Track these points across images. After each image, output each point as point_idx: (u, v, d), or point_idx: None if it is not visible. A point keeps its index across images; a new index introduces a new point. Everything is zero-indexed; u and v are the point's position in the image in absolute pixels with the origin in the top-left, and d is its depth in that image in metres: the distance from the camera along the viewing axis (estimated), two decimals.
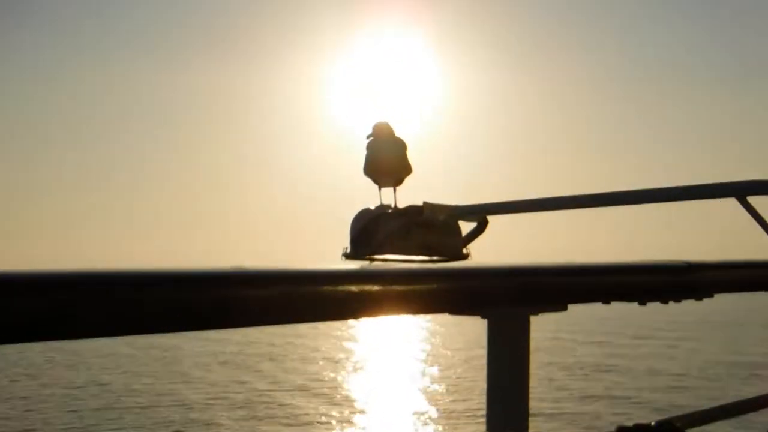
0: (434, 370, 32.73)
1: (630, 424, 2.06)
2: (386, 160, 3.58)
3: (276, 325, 1.25)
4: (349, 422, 23.21)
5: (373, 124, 3.61)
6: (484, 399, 1.89)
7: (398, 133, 3.61)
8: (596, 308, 1.92)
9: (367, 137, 3.61)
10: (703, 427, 2.46)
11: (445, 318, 1.56)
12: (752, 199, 3.16)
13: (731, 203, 3.16)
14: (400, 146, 3.60)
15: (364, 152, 3.64)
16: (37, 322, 0.97)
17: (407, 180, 3.65)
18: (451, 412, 24.48)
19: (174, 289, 1.10)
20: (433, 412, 24.68)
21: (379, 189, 3.59)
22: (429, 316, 1.56)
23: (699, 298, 2.12)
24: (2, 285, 0.95)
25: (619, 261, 1.96)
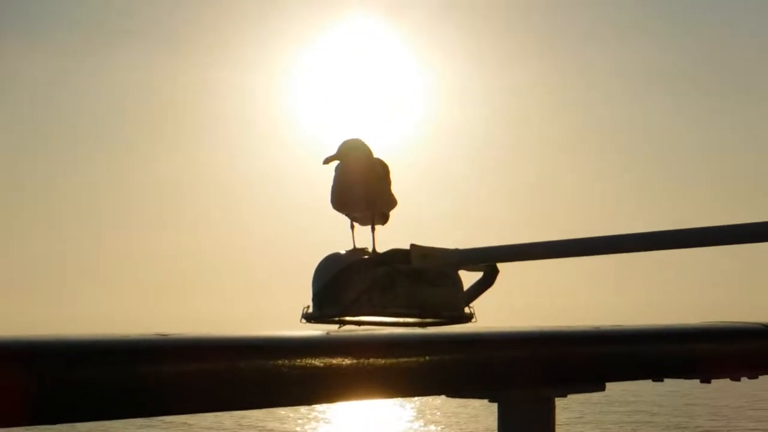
0: None
1: None
2: (360, 190, 3.55)
3: (211, 411, 1.23)
4: None
5: (341, 141, 3.55)
6: None
7: (376, 153, 3.56)
8: (642, 387, 1.91)
9: (325, 161, 3.55)
10: None
11: (441, 402, 1.54)
12: None
13: None
14: (380, 170, 3.56)
15: (332, 178, 3.61)
16: None
17: (390, 215, 3.63)
18: None
19: (62, 365, 1.08)
20: None
21: (352, 227, 3.57)
22: (420, 400, 1.54)
23: None
24: None
25: (673, 325, 1.96)
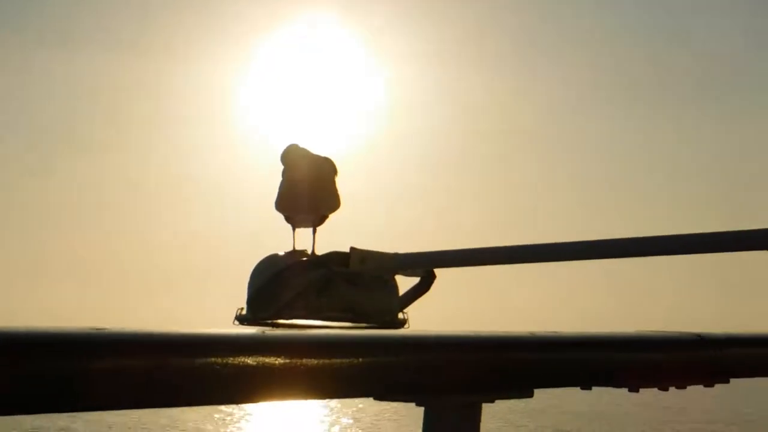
0: None
1: None
2: (305, 190, 3.54)
3: (139, 408, 1.24)
4: None
5: (284, 146, 3.54)
6: None
7: (327, 153, 3.55)
8: (571, 394, 1.94)
9: (282, 158, 3.55)
10: None
11: (368, 404, 1.56)
12: None
13: (762, 258, 3.21)
14: (325, 171, 3.56)
15: (279, 180, 3.60)
16: None
17: (333, 217, 3.62)
18: None
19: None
20: None
21: (293, 229, 3.55)
22: (346, 401, 1.55)
23: (710, 383, 2.14)
24: None
25: (603, 332, 1.98)
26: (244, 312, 3.39)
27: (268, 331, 1.46)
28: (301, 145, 3.57)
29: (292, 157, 3.55)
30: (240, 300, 3.43)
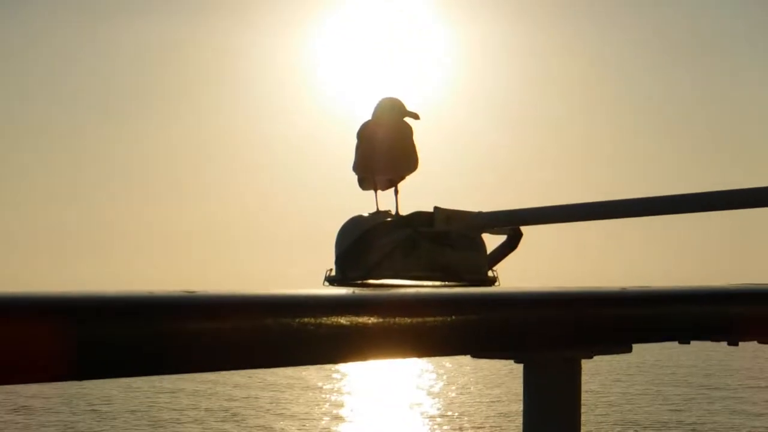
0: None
1: None
2: (384, 152, 3.54)
3: (240, 369, 1.23)
4: None
5: (378, 100, 3.53)
6: None
7: (414, 112, 3.53)
8: (669, 349, 1.91)
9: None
10: None
11: (465, 362, 1.54)
12: None
13: None
14: (405, 132, 3.55)
15: (354, 141, 3.60)
16: None
17: (413, 178, 3.62)
18: None
19: (95, 321, 1.08)
20: None
21: (375, 190, 3.56)
22: (444, 359, 1.54)
23: None
24: None
25: (701, 286, 1.95)
26: (333, 273, 3.40)
27: (359, 291, 1.45)
28: (393, 97, 3.56)
29: (378, 113, 3.54)
30: (327, 261, 3.43)
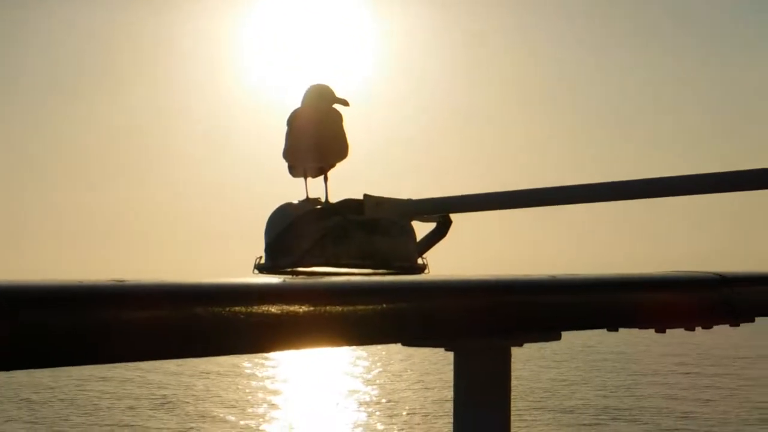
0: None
1: None
2: (313, 139, 3.54)
3: (170, 359, 1.23)
4: None
5: (306, 87, 3.54)
6: None
7: (343, 99, 3.54)
8: (596, 336, 1.93)
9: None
10: None
11: (396, 350, 1.55)
12: None
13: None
14: (334, 119, 3.55)
15: (285, 128, 3.60)
16: None
17: (343, 166, 3.62)
18: None
19: (28, 309, 1.07)
20: None
21: (305, 178, 3.56)
22: (374, 348, 1.54)
23: (736, 323, 2.13)
24: None
25: (628, 274, 1.97)
26: (263, 261, 3.39)
27: (289, 279, 1.45)
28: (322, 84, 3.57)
29: (307, 99, 3.55)
30: (257, 249, 3.42)
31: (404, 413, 33.46)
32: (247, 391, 40.21)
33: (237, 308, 1.28)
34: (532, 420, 30.28)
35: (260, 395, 38.70)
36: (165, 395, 37.54)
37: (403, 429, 31.11)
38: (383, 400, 36.75)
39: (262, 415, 33.59)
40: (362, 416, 33.45)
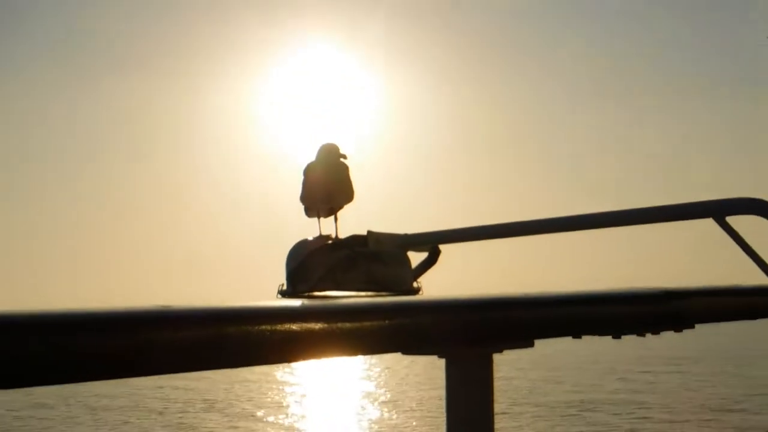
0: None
1: None
2: (324, 186, 3.57)
3: (210, 369, 1.23)
4: None
5: (319, 146, 3.60)
6: None
7: (345, 153, 3.59)
8: (565, 343, 1.93)
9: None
10: None
11: (398, 358, 1.56)
12: (731, 219, 3.21)
13: (709, 224, 3.21)
14: (341, 170, 3.58)
15: (302, 177, 3.63)
16: None
17: (350, 207, 3.63)
18: None
19: (91, 332, 1.08)
20: None
21: (318, 218, 3.58)
22: (381, 356, 1.55)
23: (679, 329, 2.13)
24: None
25: (590, 291, 1.97)
26: (284, 287, 3.41)
27: (307, 301, 1.45)
28: (332, 143, 3.61)
29: (320, 155, 3.58)
30: (279, 277, 3.44)
31: (405, 407, 33.74)
32: (279, 394, 40.30)
33: (264, 326, 1.28)
34: (518, 413, 30.26)
35: (290, 399, 38.77)
36: (210, 399, 37.58)
37: (403, 416, 31.31)
38: (389, 395, 37.11)
39: (296, 414, 33.69)
40: (373, 409, 33.73)
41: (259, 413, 33.87)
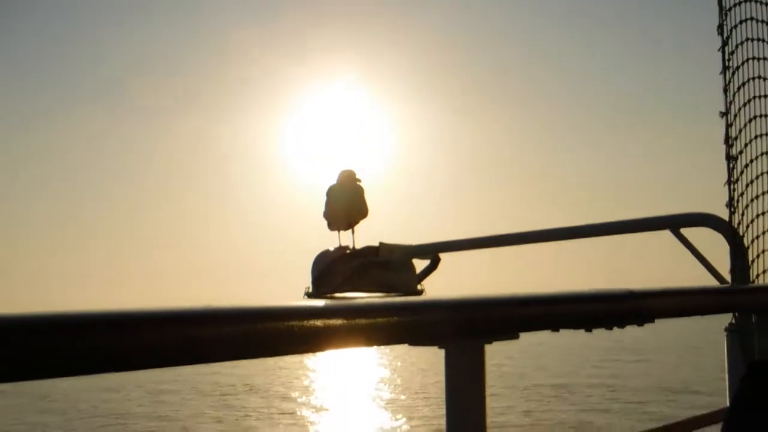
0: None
1: None
2: (344, 205, 3.59)
3: (248, 359, 1.24)
4: None
5: (339, 171, 3.64)
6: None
7: (360, 178, 3.62)
8: (544, 336, 1.93)
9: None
10: None
11: (405, 349, 1.56)
12: (685, 231, 3.21)
13: (666, 235, 3.21)
14: (358, 192, 3.61)
15: (324, 198, 3.65)
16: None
17: (365, 222, 3.66)
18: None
19: (156, 327, 1.09)
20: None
21: (338, 231, 3.60)
22: (389, 348, 1.55)
23: (641, 323, 2.14)
24: None
25: (567, 291, 1.97)
26: (310, 290, 3.44)
27: (329, 302, 1.46)
28: (350, 169, 3.64)
29: (340, 179, 3.61)
30: (305, 281, 3.46)
31: (412, 390, 33.81)
32: (308, 379, 40.41)
33: (294, 322, 1.29)
34: (508, 395, 30.18)
35: (319, 382, 38.87)
36: (249, 383, 37.63)
37: (411, 399, 31.36)
38: (399, 381, 37.18)
39: (322, 396, 33.78)
40: (387, 391, 33.83)
41: (294, 394, 33.98)
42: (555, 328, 1.88)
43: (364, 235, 3.60)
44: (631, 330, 2.17)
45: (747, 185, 3.39)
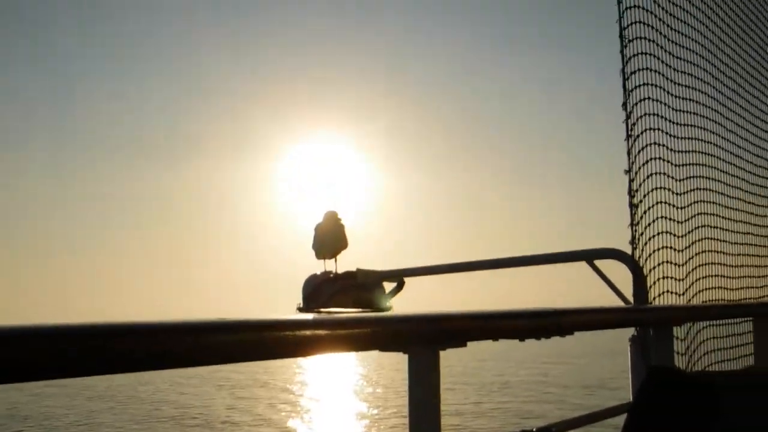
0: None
1: (517, 430, 2.06)
2: (328, 239, 3.60)
3: (251, 361, 1.24)
4: None
5: (324, 211, 3.67)
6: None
7: (341, 217, 3.65)
8: (488, 344, 1.93)
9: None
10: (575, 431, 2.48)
11: (376, 354, 1.56)
12: (598, 262, 3.24)
13: (583, 265, 3.24)
14: (339, 228, 3.63)
15: (313, 233, 3.67)
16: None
17: (345, 253, 3.67)
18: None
19: (171, 334, 1.09)
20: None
21: (324, 259, 3.61)
22: (365, 353, 1.55)
23: (563, 335, 2.15)
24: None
25: (504, 309, 1.98)
26: (301, 305, 3.43)
27: (316, 316, 1.46)
28: (333, 210, 3.66)
29: (325, 218, 3.62)
30: (297, 298, 3.46)
31: (382, 384, 33.69)
32: (301, 377, 40.19)
33: (287, 332, 1.29)
34: (459, 390, 30.05)
35: (308, 378, 38.72)
36: (255, 379, 37.39)
37: (382, 389, 31.22)
38: (374, 377, 37.02)
39: (315, 389, 33.68)
40: (366, 385, 33.71)
41: (293, 387, 33.90)
42: (495, 338, 1.88)
43: (344, 263, 3.61)
44: (556, 339, 2.17)
45: (646, 227, 3.45)
